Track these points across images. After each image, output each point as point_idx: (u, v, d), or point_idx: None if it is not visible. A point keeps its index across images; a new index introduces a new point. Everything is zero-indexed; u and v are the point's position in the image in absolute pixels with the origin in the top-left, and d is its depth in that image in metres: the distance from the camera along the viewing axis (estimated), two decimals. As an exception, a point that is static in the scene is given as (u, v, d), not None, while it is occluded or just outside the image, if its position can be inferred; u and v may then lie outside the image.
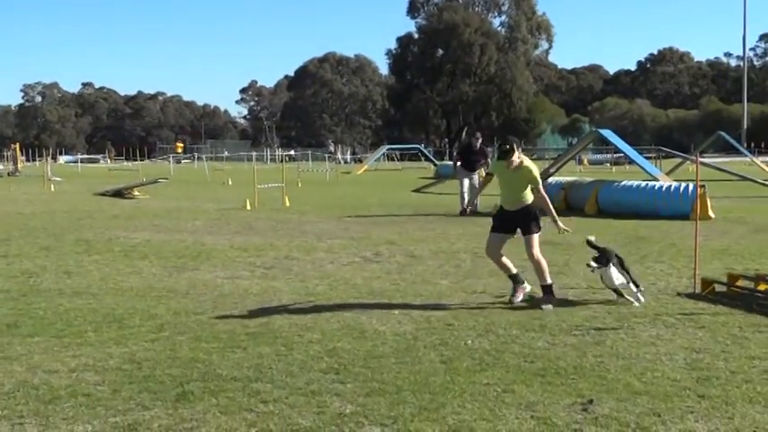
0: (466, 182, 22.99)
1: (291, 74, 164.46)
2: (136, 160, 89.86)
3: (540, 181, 10.48)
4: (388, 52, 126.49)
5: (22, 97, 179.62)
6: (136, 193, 32.35)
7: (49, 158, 70.23)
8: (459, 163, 24.10)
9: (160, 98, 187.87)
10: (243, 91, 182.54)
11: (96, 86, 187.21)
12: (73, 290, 11.25)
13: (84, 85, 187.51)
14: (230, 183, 43.68)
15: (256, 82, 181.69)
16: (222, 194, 34.17)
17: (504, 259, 10.60)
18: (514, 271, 10.56)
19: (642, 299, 10.01)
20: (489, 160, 22.65)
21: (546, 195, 10.48)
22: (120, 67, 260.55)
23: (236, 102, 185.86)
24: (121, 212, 24.49)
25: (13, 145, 65.46)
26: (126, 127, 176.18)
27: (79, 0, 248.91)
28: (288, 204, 26.69)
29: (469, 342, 8.20)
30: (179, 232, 18.69)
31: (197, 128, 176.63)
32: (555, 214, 10.37)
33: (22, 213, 24.02)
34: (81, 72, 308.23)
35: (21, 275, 12.50)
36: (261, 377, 6.97)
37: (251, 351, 7.84)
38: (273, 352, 7.80)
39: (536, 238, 10.38)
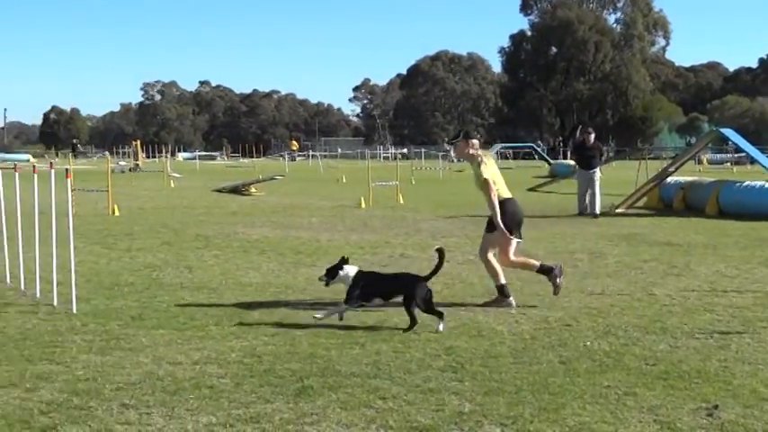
0: (584, 183, 22.60)
1: (404, 72, 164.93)
2: (252, 157, 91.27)
3: (486, 180, 10.04)
4: (501, 50, 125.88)
5: (143, 95, 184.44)
6: (252, 189, 32.88)
7: (168, 155, 71.97)
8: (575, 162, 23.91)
9: (275, 96, 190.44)
10: (356, 89, 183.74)
11: (213, 85, 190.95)
12: (194, 284, 11.51)
13: (202, 83, 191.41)
14: (344, 180, 44.03)
15: (369, 80, 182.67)
16: (336, 192, 34.48)
17: (496, 265, 10.28)
18: (503, 281, 10.19)
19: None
20: (605, 156, 22.34)
21: (492, 198, 10.02)
22: (236, 65, 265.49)
23: (350, 100, 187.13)
24: (239, 209, 24.94)
25: (134, 142, 67.14)
26: (242, 124, 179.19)
27: (197, 1, 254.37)
28: (402, 202, 26.79)
29: (588, 343, 8.10)
30: (295, 229, 18.94)
31: (311, 125, 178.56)
32: (498, 217, 10.01)
33: (143, 209, 24.67)
34: (198, 71, 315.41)
35: (144, 269, 12.84)
36: (379, 374, 7.01)
37: (368, 348, 7.90)
38: (391, 349, 7.85)
39: (488, 238, 10.25)
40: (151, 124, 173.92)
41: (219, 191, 33.50)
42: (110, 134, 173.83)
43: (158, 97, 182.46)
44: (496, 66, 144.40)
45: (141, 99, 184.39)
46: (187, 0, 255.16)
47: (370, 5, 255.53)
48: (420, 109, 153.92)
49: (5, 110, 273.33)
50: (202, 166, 69.38)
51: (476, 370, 7.13)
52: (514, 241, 10.27)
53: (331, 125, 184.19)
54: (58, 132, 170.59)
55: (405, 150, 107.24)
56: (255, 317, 9.30)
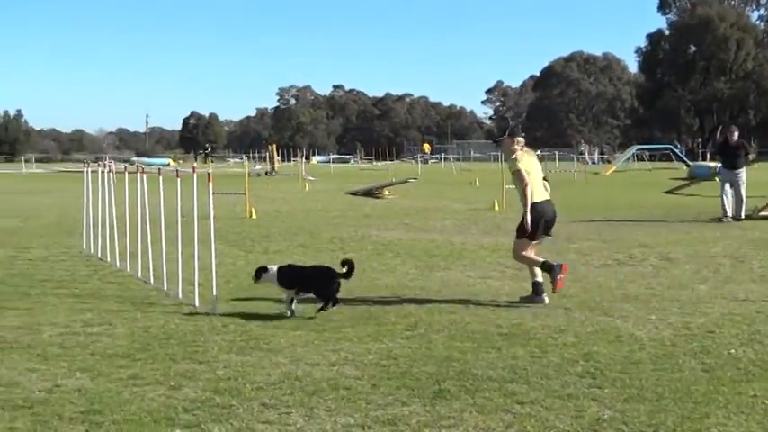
0: (727, 185, 21.75)
1: (537, 74, 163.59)
2: (385, 160, 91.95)
3: (519, 170, 10.32)
4: (638, 50, 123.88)
5: (278, 100, 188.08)
6: (386, 192, 33.11)
7: (303, 159, 73.07)
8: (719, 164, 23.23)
9: (407, 99, 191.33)
10: (488, 92, 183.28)
11: (346, 89, 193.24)
12: (330, 286, 11.62)
13: (335, 87, 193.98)
14: (477, 183, 43.89)
15: (502, 82, 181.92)
16: (470, 194, 34.40)
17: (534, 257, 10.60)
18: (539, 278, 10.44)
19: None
20: (751, 155, 21.59)
21: (525, 189, 10.31)
22: (369, 69, 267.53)
23: (482, 102, 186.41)
24: (372, 212, 25.15)
25: (270, 146, 68.39)
26: (375, 128, 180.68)
27: (328, 7, 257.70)
28: (536, 205, 26.50)
29: (733, 351, 7.86)
30: (429, 232, 18.98)
31: (443, 128, 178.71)
32: (527, 208, 10.27)
33: (279, 212, 25.13)
34: (332, 75, 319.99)
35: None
36: (516, 378, 6.96)
37: (505, 352, 7.85)
38: (527, 353, 7.78)
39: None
40: (286, 128, 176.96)
41: (353, 194, 33.84)
42: (246, 138, 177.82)
43: (293, 102, 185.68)
44: (633, 66, 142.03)
45: (277, 104, 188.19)
46: (321, 6, 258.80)
47: (502, 7, 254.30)
48: (554, 111, 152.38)
49: (147, 116, 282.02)
50: (336, 169, 70.20)
51: (615, 376, 7.00)
52: (532, 242, 10.55)
53: (463, 128, 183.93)
54: (196, 137, 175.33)
55: (538, 153, 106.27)
56: (391, 319, 9.36)
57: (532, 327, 8.90)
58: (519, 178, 10.32)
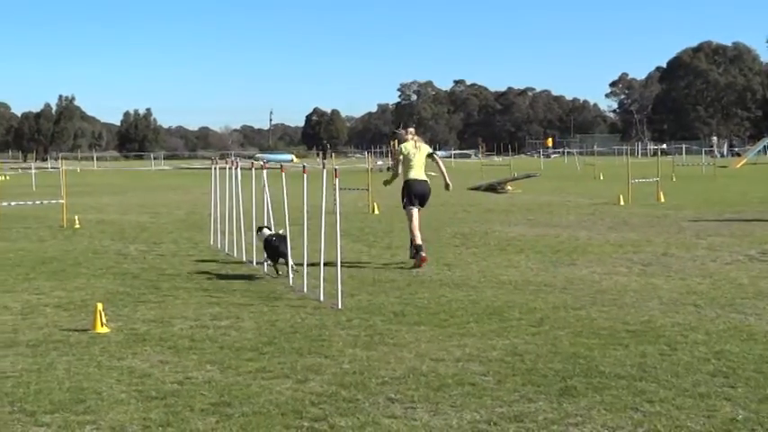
0: None
1: (663, 65, 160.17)
2: (506, 155, 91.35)
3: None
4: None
5: (399, 96, 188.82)
6: (508, 187, 32.91)
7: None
8: None
9: (529, 93, 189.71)
10: (613, 84, 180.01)
11: (468, 83, 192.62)
12: (453, 281, 11.64)
13: (456, 82, 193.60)
14: (601, 177, 43.26)
15: (627, 74, 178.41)
16: (594, 189, 33.93)
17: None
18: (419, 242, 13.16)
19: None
20: None
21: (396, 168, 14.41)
22: (490, 63, 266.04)
23: (606, 95, 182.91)
24: (495, 207, 25.03)
25: (391, 141, 68.66)
26: (496, 122, 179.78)
27: (449, 2, 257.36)
28: (663, 200, 26.00)
29: None
30: (553, 227, 18.79)
31: (566, 122, 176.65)
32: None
33: (400, 207, 25.15)
34: (454, 70, 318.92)
35: (404, 266, 13.11)
36: (645, 376, 6.82)
37: (633, 349, 7.71)
38: (656, 351, 7.62)
39: None
40: (407, 124, 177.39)
41: (475, 189, 33.72)
42: (367, 134, 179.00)
43: (414, 97, 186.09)
44: (765, 55, 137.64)
45: (398, 99, 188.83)
46: (442, 1, 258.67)
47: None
48: (681, 103, 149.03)
49: (271, 112, 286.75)
50: (457, 164, 70.07)
51: (749, 375, 6.80)
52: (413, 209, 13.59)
53: (586, 121, 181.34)
54: (319, 133, 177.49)
55: (664, 146, 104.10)
56: (515, 315, 9.29)
57: (661, 324, 8.72)
58: (393, 159, 14.44)
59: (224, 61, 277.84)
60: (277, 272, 12.05)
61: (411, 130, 14.36)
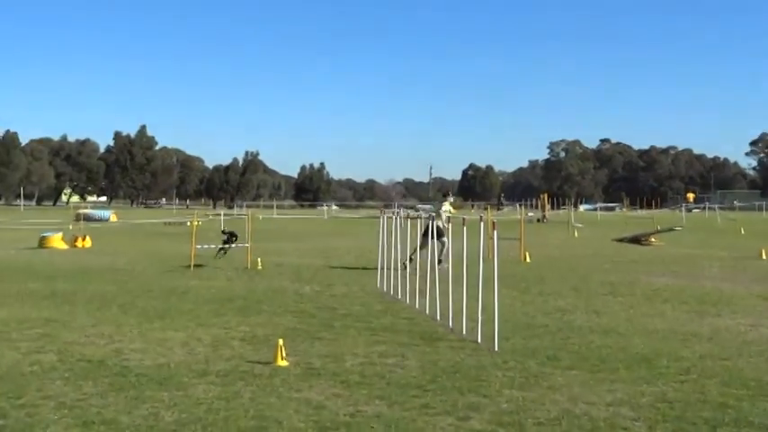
0: None
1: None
2: (649, 209, 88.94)
3: None
4: None
5: (549, 153, 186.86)
6: (652, 239, 31.97)
7: (572, 207, 72.08)
8: None
9: (671, 152, 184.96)
10: (753, 143, 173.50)
11: (613, 142, 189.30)
12: (602, 328, 11.30)
13: (602, 141, 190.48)
14: (743, 232, 41.55)
15: (767, 134, 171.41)
16: (736, 243, 32.60)
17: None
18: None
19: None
20: None
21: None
22: (635, 122, 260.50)
23: (746, 154, 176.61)
24: (640, 258, 24.31)
25: (541, 194, 68.16)
26: (639, 178, 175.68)
27: (593, 64, 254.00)
28: (805, 254, 24.72)
29: None
30: (696, 278, 18.09)
31: (706, 179, 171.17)
32: None
33: (551, 256, 24.81)
34: (600, 129, 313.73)
35: (555, 312, 12.84)
36: (795, 428, 6.41)
37: (782, 400, 7.27)
38: (806, 404, 7.15)
39: None
40: (555, 179, 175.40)
41: (620, 240, 32.89)
42: (518, 188, 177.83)
43: (563, 154, 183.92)
44: None
45: (547, 156, 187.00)
46: (587, 63, 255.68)
47: (761, 60, 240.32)
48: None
49: (431, 167, 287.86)
50: (602, 217, 68.64)
51: None
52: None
53: (727, 178, 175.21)
54: (474, 186, 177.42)
55: (736, 201, 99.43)
56: (663, 362, 8.93)
57: (809, 377, 8.21)
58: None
59: (389, 119, 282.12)
60: None
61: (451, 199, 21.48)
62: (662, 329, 11.20)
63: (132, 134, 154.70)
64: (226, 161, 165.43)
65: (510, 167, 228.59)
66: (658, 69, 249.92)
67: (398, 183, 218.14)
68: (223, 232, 23.20)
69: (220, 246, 22.49)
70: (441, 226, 19.57)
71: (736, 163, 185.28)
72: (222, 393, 7.49)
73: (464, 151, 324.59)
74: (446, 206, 21.22)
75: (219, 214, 47.31)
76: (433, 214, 20.68)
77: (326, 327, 11.28)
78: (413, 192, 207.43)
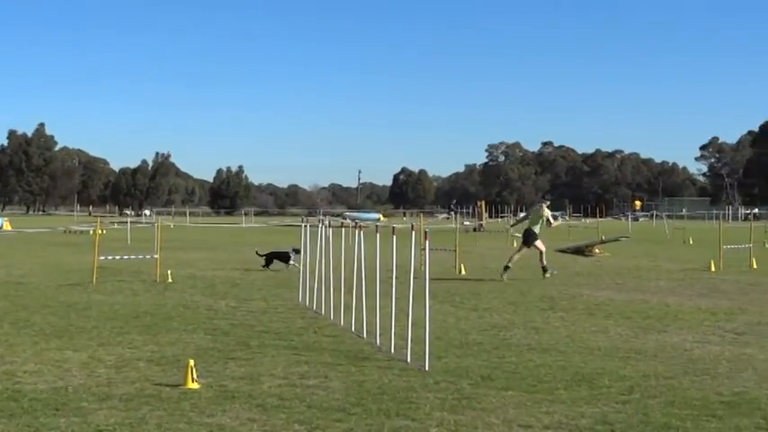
0: None
1: (755, 129, 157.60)
2: (594, 217, 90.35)
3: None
4: None
5: (487, 156, 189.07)
6: (596, 250, 32.47)
7: (511, 215, 72.86)
8: None
9: (617, 156, 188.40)
10: (703, 148, 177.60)
11: (555, 145, 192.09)
12: (541, 346, 11.47)
13: (544, 144, 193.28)
14: (691, 242, 42.50)
15: (717, 138, 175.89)
16: (683, 254, 33.33)
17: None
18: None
19: None
20: None
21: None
22: (578, 126, 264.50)
23: (696, 158, 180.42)
24: (582, 270, 24.72)
25: (479, 201, 68.81)
26: (583, 184, 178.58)
27: (536, 64, 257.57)
28: (756, 266, 25.39)
29: None
30: (642, 292, 18.47)
31: (654, 185, 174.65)
32: None
33: (487, 268, 25.05)
34: (541, 132, 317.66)
35: (491, 329, 12.99)
36: (740, 451, 6.60)
37: (727, 421, 7.47)
38: (752, 424, 7.38)
39: None
40: (494, 185, 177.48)
41: (563, 251, 33.35)
42: (454, 194, 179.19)
43: (502, 158, 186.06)
44: None
45: (485, 160, 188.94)
46: (529, 64, 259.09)
47: (716, 63, 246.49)
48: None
49: (360, 171, 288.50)
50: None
51: None
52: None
53: (675, 185, 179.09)
54: (406, 192, 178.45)
55: (755, 211, 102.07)
56: (605, 382, 9.11)
57: (756, 396, 8.46)
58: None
59: (313, 121, 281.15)
60: None
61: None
62: (604, 347, 11.41)
63: (29, 133, 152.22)
64: (134, 163, 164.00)
65: (445, 172, 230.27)
66: (604, 69, 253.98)
67: (324, 188, 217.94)
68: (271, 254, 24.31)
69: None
70: (537, 232, 21.64)
71: (685, 168, 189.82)
72: (126, 419, 7.42)
73: (395, 155, 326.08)
74: (546, 210, 22.40)
75: (126, 222, 46.78)
76: (528, 218, 22.98)
77: (242, 345, 11.24)
78: (340, 198, 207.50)
